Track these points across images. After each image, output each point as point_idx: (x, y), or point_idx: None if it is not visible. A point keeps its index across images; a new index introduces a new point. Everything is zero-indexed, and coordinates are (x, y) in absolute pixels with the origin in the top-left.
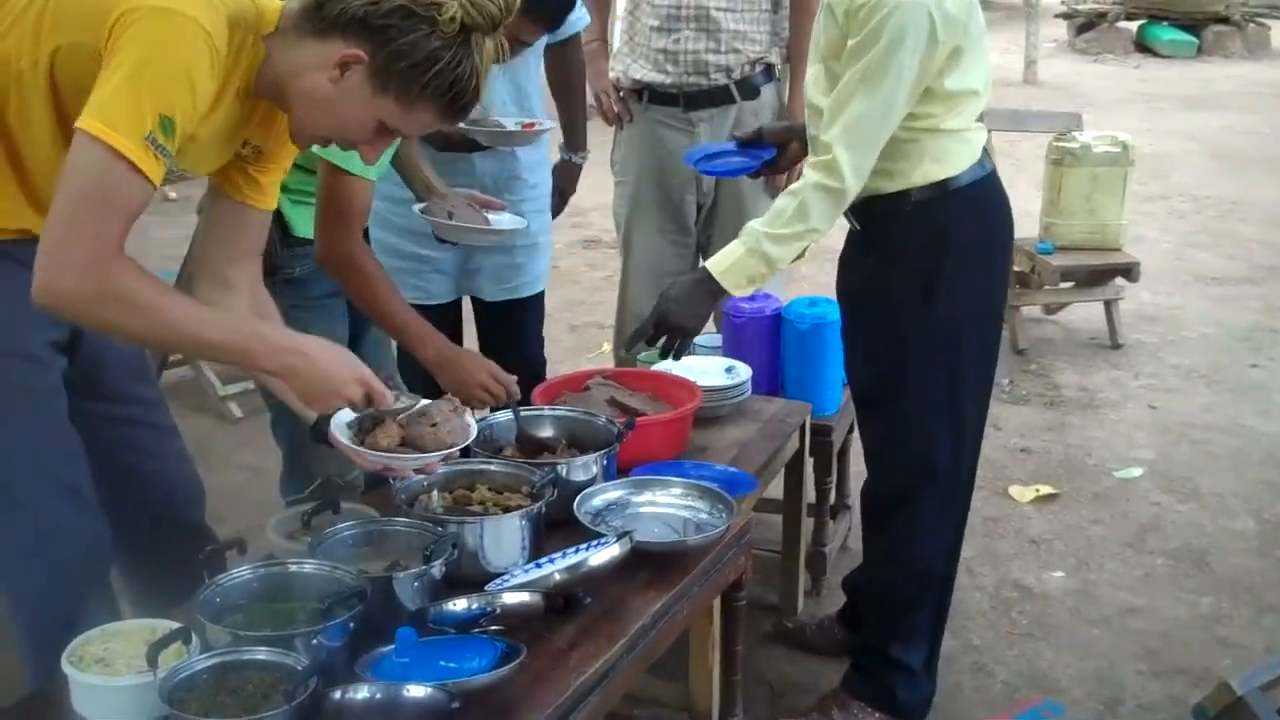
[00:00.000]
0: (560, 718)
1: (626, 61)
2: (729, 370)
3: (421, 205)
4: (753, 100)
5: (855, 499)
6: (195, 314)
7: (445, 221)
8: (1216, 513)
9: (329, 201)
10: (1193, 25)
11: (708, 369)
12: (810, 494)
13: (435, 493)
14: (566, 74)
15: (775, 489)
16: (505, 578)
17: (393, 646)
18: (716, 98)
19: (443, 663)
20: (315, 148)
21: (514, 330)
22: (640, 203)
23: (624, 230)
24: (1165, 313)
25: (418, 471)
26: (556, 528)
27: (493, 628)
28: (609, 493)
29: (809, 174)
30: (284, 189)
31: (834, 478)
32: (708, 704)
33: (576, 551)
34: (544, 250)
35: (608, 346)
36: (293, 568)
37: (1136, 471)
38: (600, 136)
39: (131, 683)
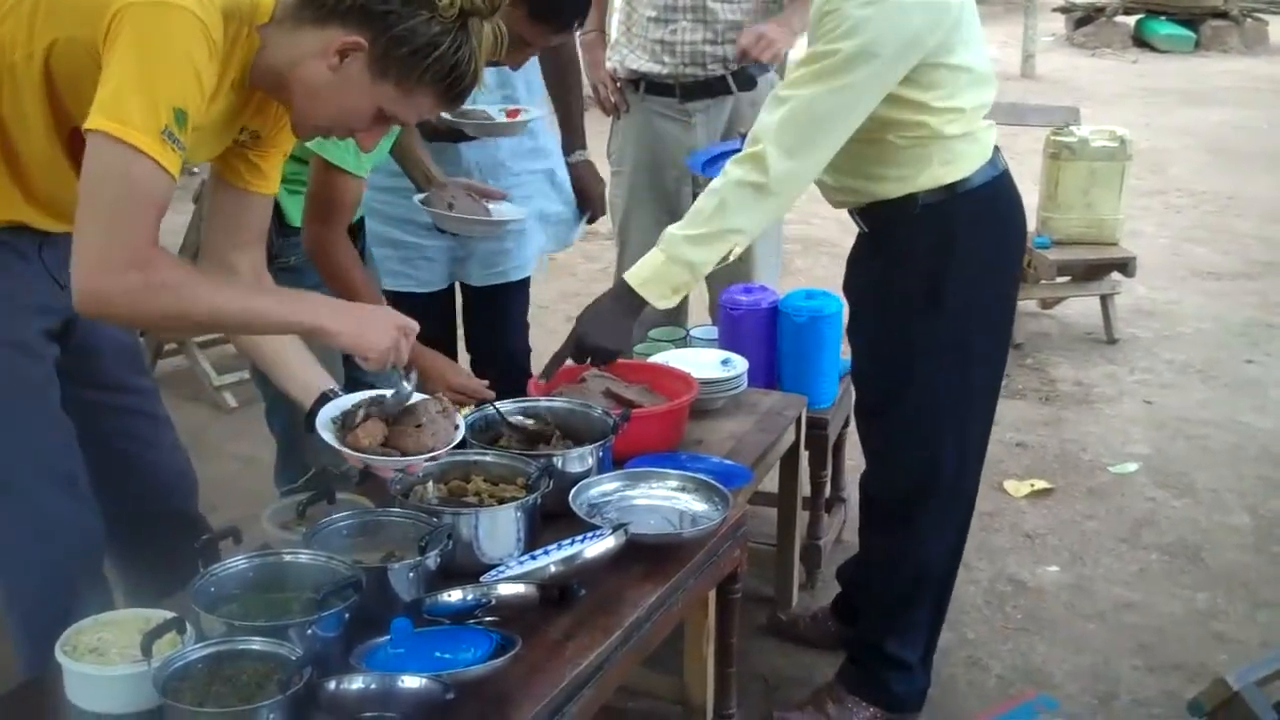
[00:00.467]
0: (555, 709)
1: (623, 52)
2: (725, 363)
3: (422, 196)
4: (749, 91)
5: (850, 492)
6: (234, 293)
7: (447, 213)
8: (1212, 508)
9: (318, 194)
10: (1190, 20)
11: (704, 361)
12: (805, 487)
13: (430, 484)
14: (557, 67)
15: (770, 482)
16: (500, 569)
17: (388, 637)
18: (713, 88)
19: (437, 654)
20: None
21: (499, 316)
22: (636, 193)
23: (620, 221)
24: (1161, 308)
25: (399, 471)
26: (552, 519)
27: (488, 619)
28: (604, 485)
29: (731, 169)
30: (281, 179)
31: (829, 471)
32: (702, 697)
33: (572, 543)
34: (530, 236)
35: None
36: (287, 558)
37: (1132, 466)
38: (598, 127)
39: (125, 672)
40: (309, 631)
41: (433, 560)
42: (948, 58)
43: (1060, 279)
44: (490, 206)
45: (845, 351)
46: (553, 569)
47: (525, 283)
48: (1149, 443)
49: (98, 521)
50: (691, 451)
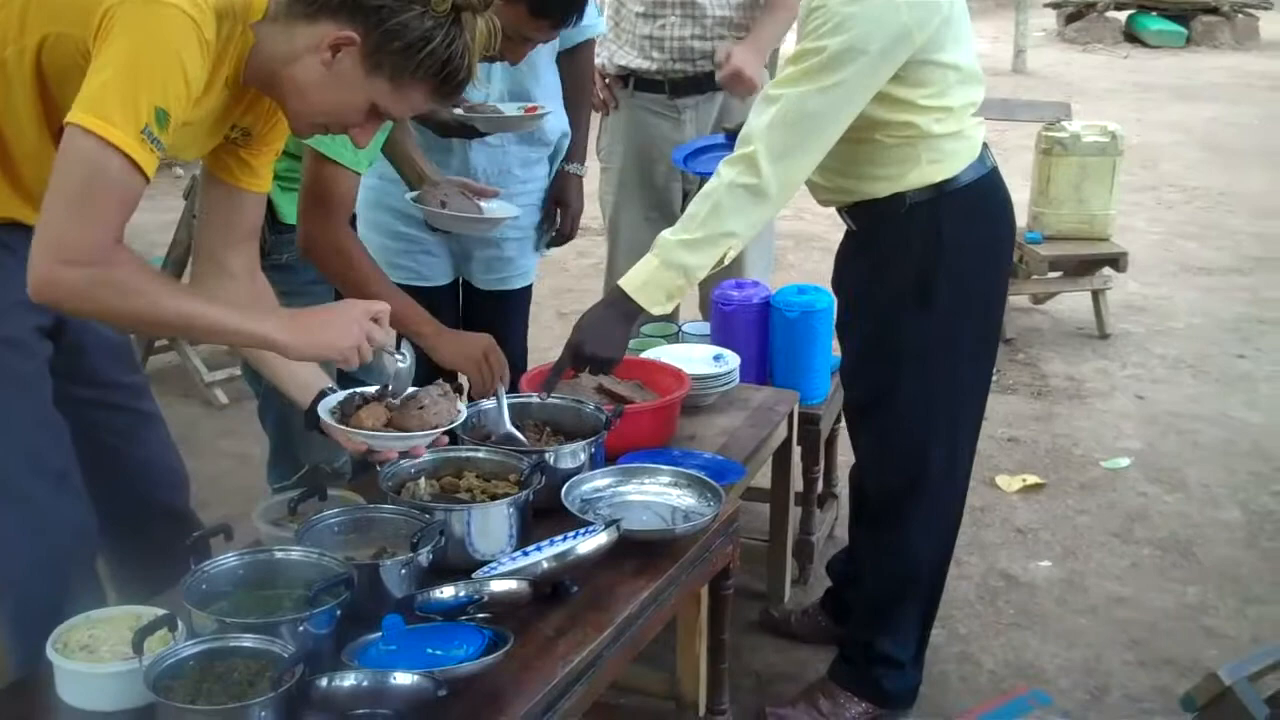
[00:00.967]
0: (548, 706)
1: (612, 48)
2: (717, 358)
3: (414, 194)
4: None
5: (842, 488)
6: (192, 296)
7: (439, 211)
8: (1203, 503)
9: (313, 189)
10: (1182, 15)
11: (696, 357)
12: (798, 482)
13: (422, 480)
14: (575, 82)
15: (763, 477)
16: (493, 565)
17: (379, 634)
18: (702, 84)
19: (429, 650)
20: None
21: (500, 322)
22: (626, 189)
23: (610, 216)
24: (1153, 303)
25: (403, 455)
26: (544, 515)
27: (480, 615)
28: (597, 480)
29: (724, 171)
30: (274, 176)
31: (821, 466)
32: (694, 693)
33: (564, 539)
34: (532, 243)
35: None
36: (279, 555)
37: (1123, 461)
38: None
39: (117, 669)
40: (300, 628)
41: (424, 557)
42: (937, 55)
43: (1052, 274)
44: (483, 204)
45: (837, 348)
46: (545, 565)
47: (527, 291)
48: (1140, 438)
49: (90, 518)
50: (684, 447)
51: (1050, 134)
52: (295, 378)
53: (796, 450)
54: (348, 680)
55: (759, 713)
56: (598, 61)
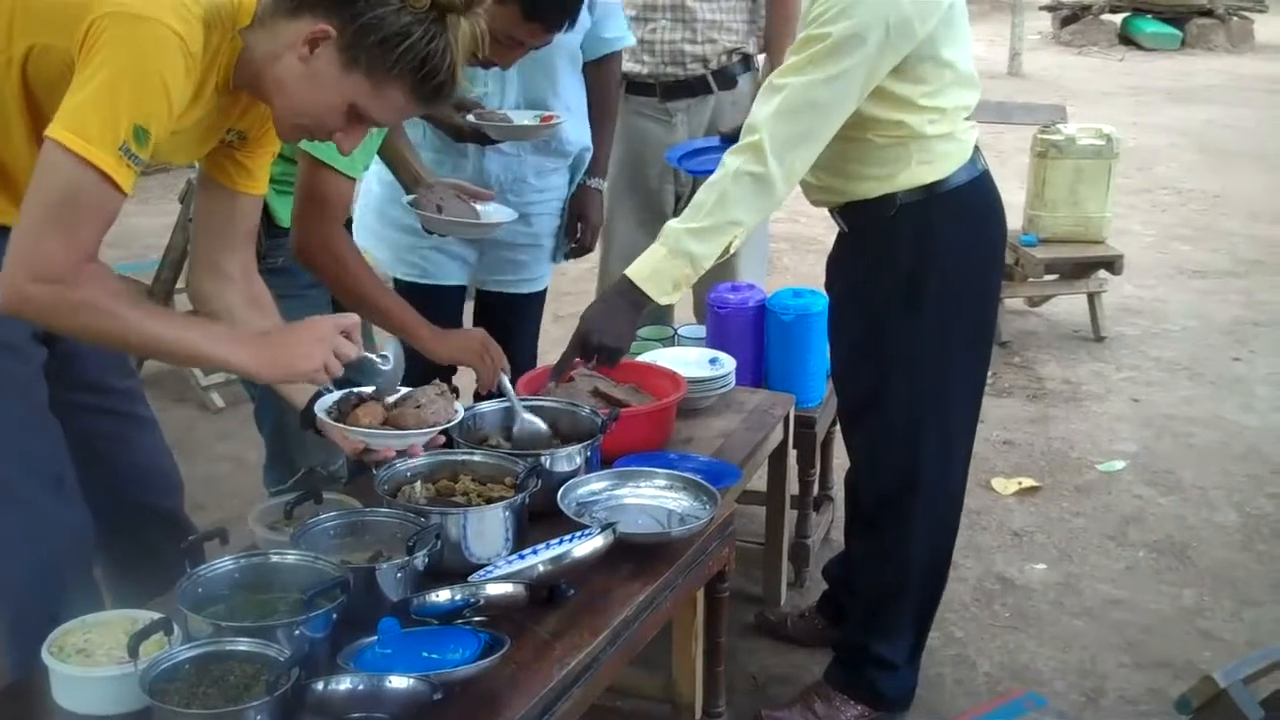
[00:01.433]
0: (544, 709)
1: None
2: (713, 361)
3: (411, 198)
4: (730, 91)
5: (838, 490)
6: (160, 319)
7: (435, 215)
8: (1199, 506)
9: (308, 194)
10: (1176, 18)
11: (691, 360)
12: (793, 485)
13: (418, 483)
14: (600, 95)
15: (759, 480)
16: (488, 569)
17: (375, 637)
18: (694, 88)
19: (425, 654)
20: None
21: (510, 326)
22: (619, 192)
23: (604, 220)
24: (1148, 306)
25: (400, 454)
26: (540, 519)
27: (476, 619)
28: (593, 484)
29: (730, 160)
30: (269, 180)
31: (817, 469)
32: (690, 695)
33: (560, 543)
34: (546, 253)
35: None
36: (275, 558)
37: (1119, 464)
38: None
39: (112, 673)
40: (296, 632)
41: (420, 560)
42: (937, 51)
43: (1047, 277)
44: (479, 208)
45: None
46: (541, 568)
47: (539, 298)
48: (1136, 440)
49: (87, 522)
50: (680, 450)
51: (1045, 137)
52: None
53: (792, 453)
54: (343, 684)
55: (755, 715)
56: None
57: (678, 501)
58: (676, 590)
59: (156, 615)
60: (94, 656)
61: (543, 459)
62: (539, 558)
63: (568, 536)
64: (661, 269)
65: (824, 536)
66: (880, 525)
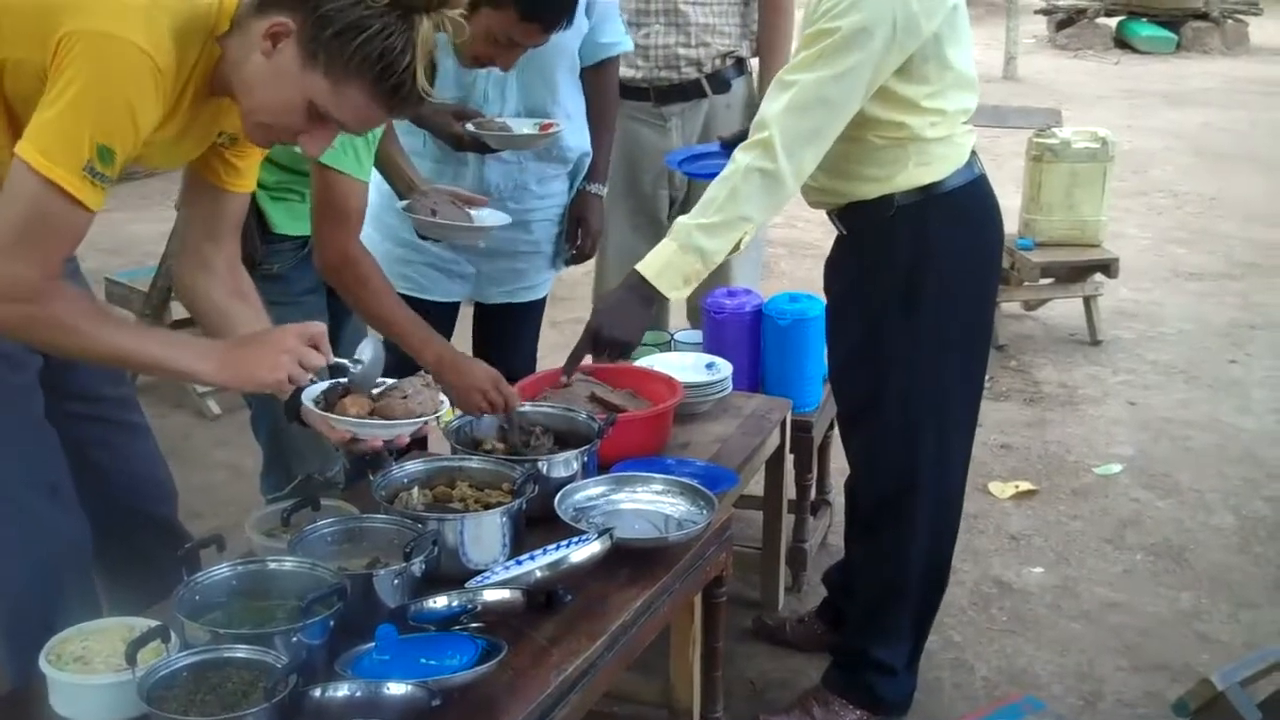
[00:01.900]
0: (542, 715)
1: None
2: (710, 366)
3: (405, 203)
4: (724, 94)
5: (835, 495)
6: (122, 335)
7: (429, 219)
8: (1195, 509)
9: (325, 204)
10: (1171, 21)
11: (688, 365)
12: (791, 490)
13: (415, 489)
14: (599, 100)
15: (756, 485)
16: (486, 575)
17: (373, 644)
18: (688, 92)
19: (423, 660)
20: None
21: (510, 334)
22: (614, 197)
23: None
24: (1144, 309)
25: (387, 444)
26: (537, 524)
27: (473, 625)
28: (590, 489)
29: (741, 156)
30: (263, 186)
31: (814, 474)
32: (688, 701)
33: (557, 548)
34: (547, 260)
35: None
36: (272, 565)
37: (1116, 467)
38: None
39: (110, 681)
40: (294, 639)
41: (418, 566)
42: (941, 51)
43: (1043, 281)
44: (473, 213)
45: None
46: (538, 574)
47: (539, 305)
48: (1133, 444)
49: (84, 529)
50: (676, 455)
51: (1041, 140)
52: None
53: (789, 458)
54: (341, 690)
55: None
56: None
57: (675, 506)
58: (674, 595)
59: (154, 623)
60: (92, 664)
61: (540, 464)
62: (536, 563)
63: (565, 542)
64: (672, 264)
65: (821, 541)
66: (879, 527)
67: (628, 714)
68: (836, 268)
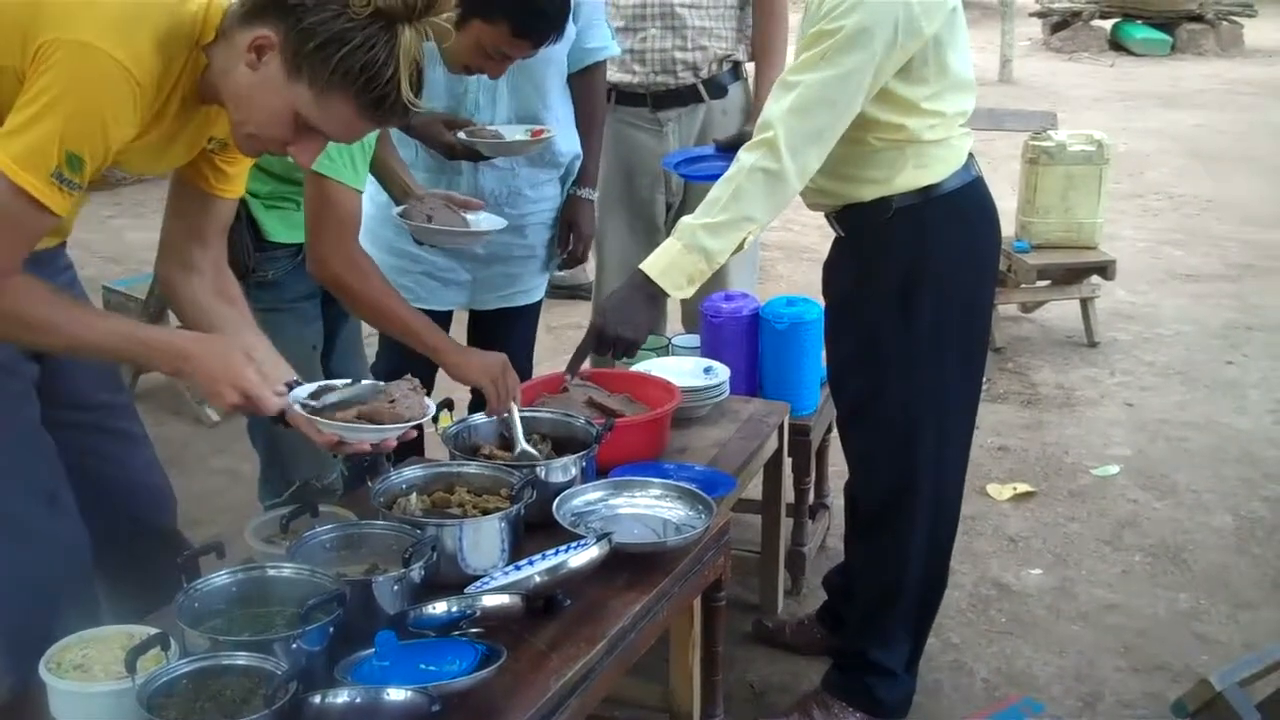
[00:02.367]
0: None
1: None
2: (707, 370)
3: (400, 209)
4: (721, 99)
5: (834, 499)
6: (84, 325)
7: (425, 225)
8: (1193, 509)
9: (322, 213)
10: (1166, 24)
11: (686, 369)
12: (789, 494)
13: (414, 495)
14: (587, 105)
15: (754, 489)
16: (485, 580)
17: (372, 650)
18: (684, 97)
19: (423, 666)
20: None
21: (505, 337)
22: (610, 202)
23: (595, 230)
24: (1141, 310)
25: (373, 448)
26: (536, 529)
27: (472, 630)
28: (588, 494)
29: (745, 156)
30: (256, 195)
31: (813, 477)
32: (688, 705)
33: (556, 553)
34: (540, 263)
35: None
36: (271, 572)
37: (1113, 469)
38: None
39: (110, 689)
40: (293, 646)
41: (417, 572)
42: (941, 53)
43: (1040, 283)
44: (469, 217)
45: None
46: (537, 579)
47: (535, 308)
48: (1130, 445)
49: (83, 537)
50: (675, 460)
51: (1037, 143)
52: None
53: (787, 461)
54: (341, 697)
55: None
56: None
57: (673, 511)
58: (673, 600)
59: (154, 630)
60: (92, 672)
61: (538, 470)
62: (535, 569)
63: (564, 547)
64: (676, 263)
65: (820, 544)
66: (877, 529)
67: (627, 718)
68: (834, 270)
